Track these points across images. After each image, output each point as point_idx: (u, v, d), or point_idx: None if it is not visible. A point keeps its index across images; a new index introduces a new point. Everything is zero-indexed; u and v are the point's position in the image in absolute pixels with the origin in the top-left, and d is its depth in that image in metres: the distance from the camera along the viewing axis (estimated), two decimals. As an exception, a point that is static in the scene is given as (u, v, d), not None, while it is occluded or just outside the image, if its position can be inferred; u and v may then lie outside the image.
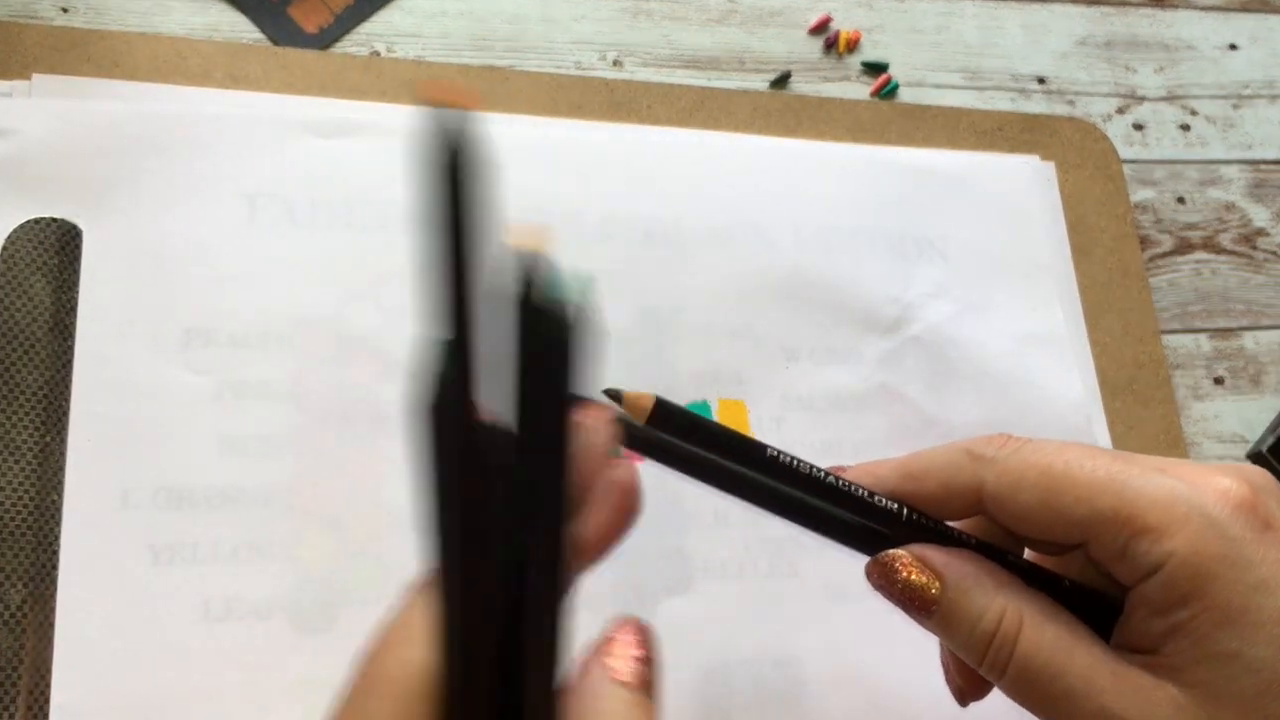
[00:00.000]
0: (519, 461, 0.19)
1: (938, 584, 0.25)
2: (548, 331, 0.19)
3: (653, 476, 0.41)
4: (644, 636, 0.23)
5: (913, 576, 0.26)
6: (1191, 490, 0.24)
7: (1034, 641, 0.24)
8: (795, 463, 0.26)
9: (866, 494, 0.27)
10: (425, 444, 0.18)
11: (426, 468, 0.19)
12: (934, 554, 0.26)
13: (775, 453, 0.26)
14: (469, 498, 0.19)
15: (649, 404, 0.24)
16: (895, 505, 0.27)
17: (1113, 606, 0.25)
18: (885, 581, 0.26)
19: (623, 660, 0.22)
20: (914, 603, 0.26)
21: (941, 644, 0.30)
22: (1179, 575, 0.23)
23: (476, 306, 0.18)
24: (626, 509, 0.24)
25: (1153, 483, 0.24)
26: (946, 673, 0.31)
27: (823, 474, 0.27)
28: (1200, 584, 0.23)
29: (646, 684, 0.22)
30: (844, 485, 0.27)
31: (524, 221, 0.18)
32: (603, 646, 0.22)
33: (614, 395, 0.24)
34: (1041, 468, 0.25)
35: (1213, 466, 0.25)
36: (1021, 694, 0.25)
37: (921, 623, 0.27)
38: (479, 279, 0.18)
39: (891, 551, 0.26)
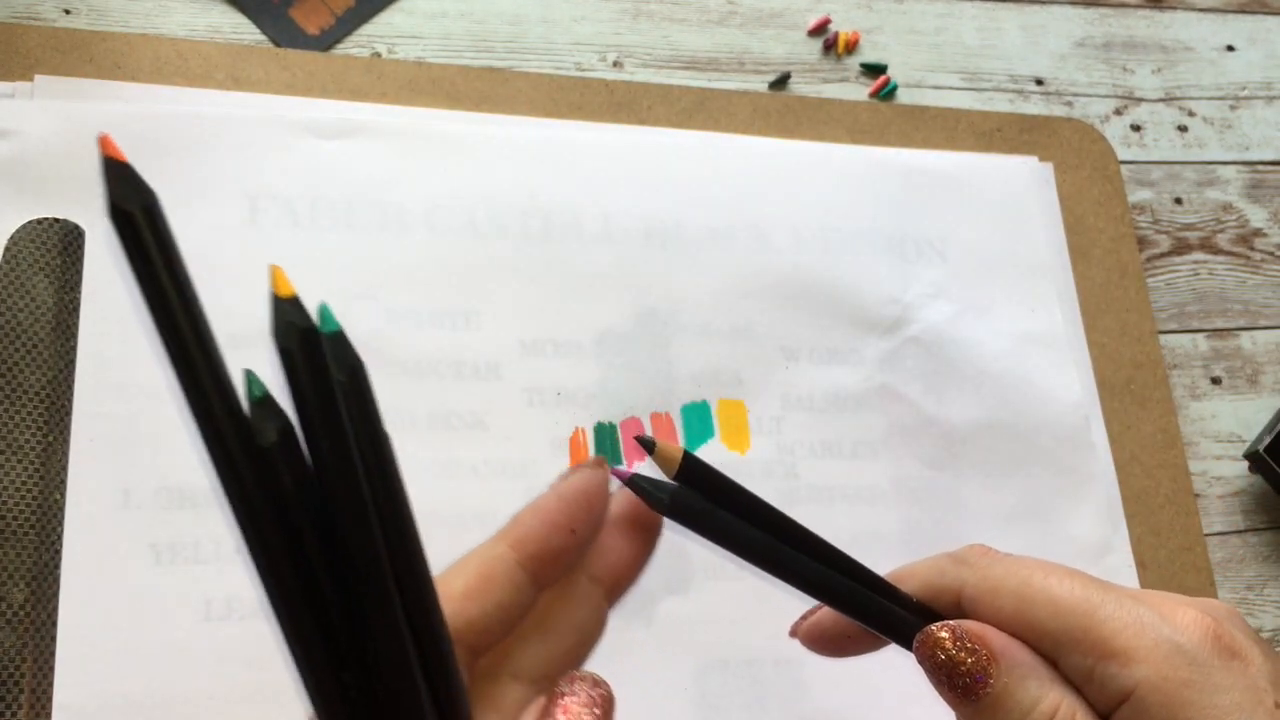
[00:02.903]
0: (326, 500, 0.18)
1: (994, 665, 0.25)
2: (315, 369, 0.18)
3: (654, 476, 0.41)
4: (600, 693, 0.22)
5: (966, 654, 0.25)
6: (1160, 620, 0.24)
7: None
8: (817, 537, 0.26)
9: (882, 578, 0.26)
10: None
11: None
12: (993, 634, 0.25)
13: (796, 523, 0.26)
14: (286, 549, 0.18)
15: (678, 456, 0.24)
16: (906, 594, 0.27)
17: None
18: (936, 653, 0.25)
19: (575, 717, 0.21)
20: (965, 680, 0.25)
21: None
22: (1150, 702, 0.23)
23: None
24: (646, 540, 0.25)
25: (1124, 609, 0.24)
26: None
27: (842, 551, 0.26)
28: (1172, 711, 0.23)
29: None
30: (861, 565, 0.26)
31: (275, 265, 0.17)
32: (554, 701, 0.22)
33: (647, 444, 0.24)
34: (1021, 578, 0.25)
35: (1180, 598, 0.25)
36: None
37: (961, 704, 0.25)
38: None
39: (950, 623, 0.25)
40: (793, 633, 0.29)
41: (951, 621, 0.25)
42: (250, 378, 0.17)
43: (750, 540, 0.25)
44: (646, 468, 0.41)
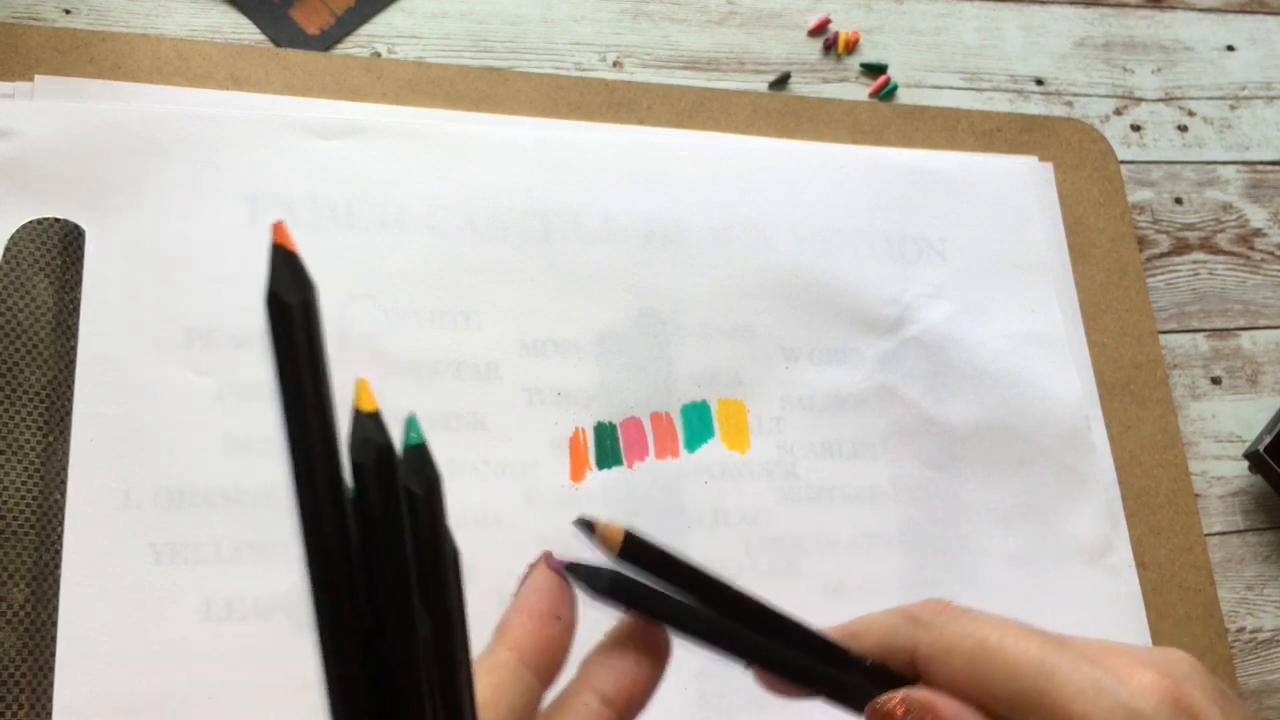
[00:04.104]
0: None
1: None
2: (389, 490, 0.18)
3: (654, 476, 0.41)
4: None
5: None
6: (1117, 684, 0.24)
7: None
8: (763, 606, 0.26)
9: (833, 640, 0.26)
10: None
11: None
12: (943, 704, 0.25)
13: (743, 593, 0.26)
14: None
15: (619, 536, 0.24)
16: (859, 655, 0.26)
17: None
18: None
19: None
20: None
21: None
22: None
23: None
24: (656, 661, 0.25)
25: (1080, 672, 0.24)
26: None
27: (789, 617, 0.26)
28: None
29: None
30: (811, 629, 0.26)
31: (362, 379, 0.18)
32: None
33: (587, 525, 0.24)
34: (976, 639, 0.25)
35: (1140, 656, 0.25)
36: None
37: None
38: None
39: (899, 694, 0.25)
40: (746, 666, 0.29)
41: (900, 692, 0.25)
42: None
43: (692, 619, 0.25)
44: (649, 466, 0.41)
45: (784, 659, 0.25)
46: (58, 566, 0.35)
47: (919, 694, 0.25)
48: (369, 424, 0.17)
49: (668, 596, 0.25)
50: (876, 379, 0.45)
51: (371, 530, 0.17)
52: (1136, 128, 0.56)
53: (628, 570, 0.24)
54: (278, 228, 0.16)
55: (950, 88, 0.54)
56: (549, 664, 0.24)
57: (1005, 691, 0.24)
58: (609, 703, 0.24)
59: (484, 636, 0.40)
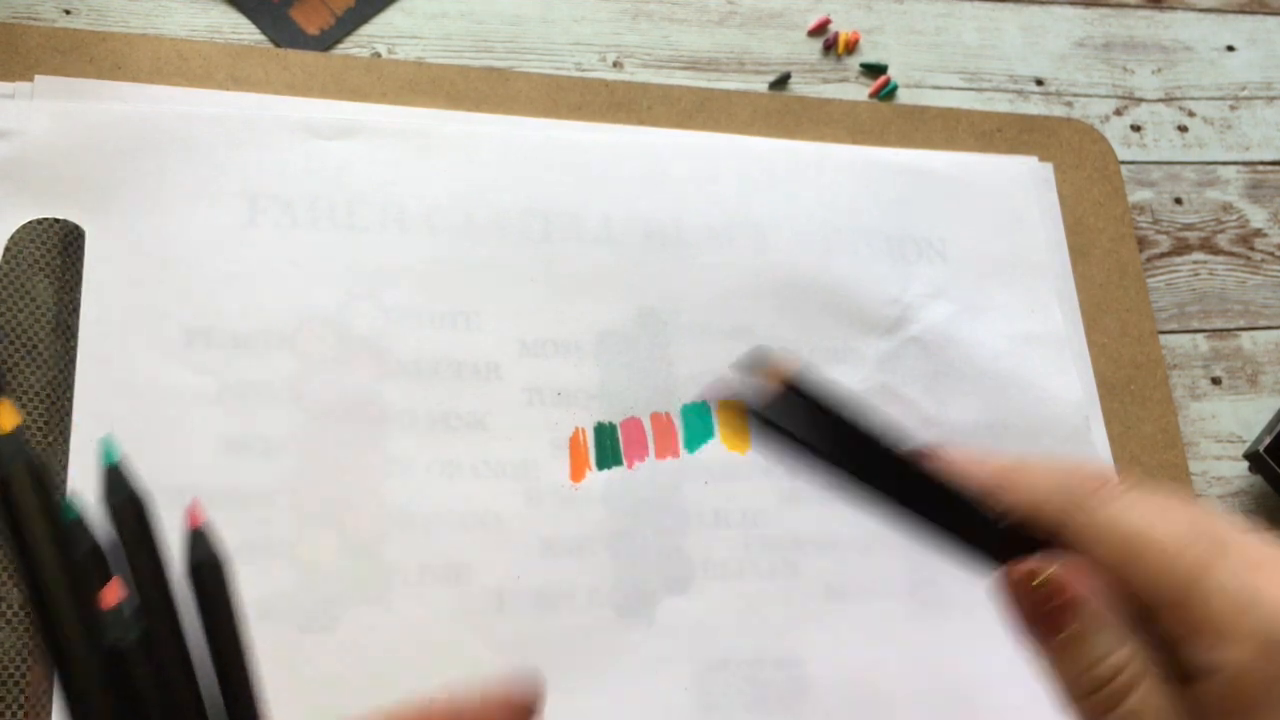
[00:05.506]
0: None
1: (1072, 611, 0.24)
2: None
3: (655, 476, 0.41)
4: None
5: (1043, 599, 0.25)
6: (1270, 603, 0.23)
7: (1147, 704, 0.24)
8: (907, 459, 0.25)
9: (973, 501, 0.26)
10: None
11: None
12: (1078, 588, 0.25)
13: (893, 446, 0.25)
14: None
15: (789, 372, 0.24)
16: (997, 515, 0.26)
17: None
18: (1015, 590, 0.25)
19: None
20: (1040, 622, 0.25)
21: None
22: (1235, 688, 0.23)
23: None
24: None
25: (1229, 589, 0.23)
26: None
27: (934, 475, 0.26)
28: (1252, 705, 0.23)
29: None
30: (953, 487, 0.26)
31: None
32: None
33: (760, 357, 0.24)
34: (1125, 533, 0.24)
35: None
36: None
37: (1031, 640, 0.25)
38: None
39: (1033, 566, 0.25)
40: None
41: (1034, 561, 0.25)
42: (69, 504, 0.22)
43: (843, 460, 0.25)
44: (649, 466, 0.40)
45: (920, 511, 0.25)
46: (58, 566, 0.35)
47: (1052, 570, 0.25)
48: (8, 444, 0.21)
49: (827, 434, 0.25)
50: (876, 379, 0.45)
51: (31, 537, 0.21)
52: (1136, 128, 0.56)
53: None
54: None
55: (950, 88, 0.54)
56: None
57: (1146, 593, 0.24)
58: None
59: (482, 636, 0.40)
